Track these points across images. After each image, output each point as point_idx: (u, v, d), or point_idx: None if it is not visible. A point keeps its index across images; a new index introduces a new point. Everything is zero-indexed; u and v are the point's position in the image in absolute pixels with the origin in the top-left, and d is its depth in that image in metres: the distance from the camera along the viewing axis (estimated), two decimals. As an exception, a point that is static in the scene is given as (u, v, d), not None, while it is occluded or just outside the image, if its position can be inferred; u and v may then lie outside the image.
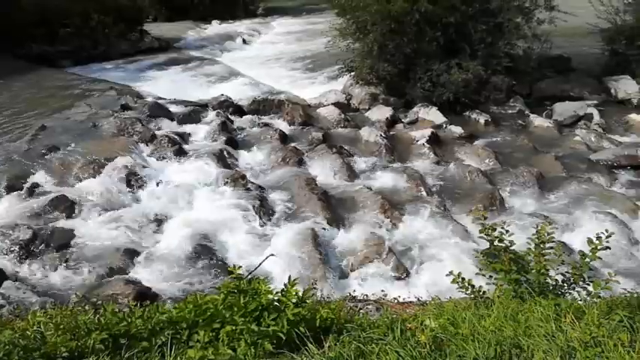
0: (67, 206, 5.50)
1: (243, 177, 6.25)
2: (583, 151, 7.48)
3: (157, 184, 6.17)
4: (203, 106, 8.90)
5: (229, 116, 8.61)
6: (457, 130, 8.25)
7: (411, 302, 3.13)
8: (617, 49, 10.21)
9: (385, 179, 6.63)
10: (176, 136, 7.46)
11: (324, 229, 5.38)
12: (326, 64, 11.47)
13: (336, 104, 9.31)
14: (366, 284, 4.47)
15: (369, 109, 9.29)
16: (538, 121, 8.62)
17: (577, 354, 1.80)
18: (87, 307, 2.91)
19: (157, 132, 7.53)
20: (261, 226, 5.43)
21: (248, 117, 8.80)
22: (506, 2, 8.75)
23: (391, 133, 8.33)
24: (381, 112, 8.97)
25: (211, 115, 8.53)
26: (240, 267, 2.27)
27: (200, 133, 7.85)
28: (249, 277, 2.36)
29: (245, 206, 5.61)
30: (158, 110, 8.45)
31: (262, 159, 7.17)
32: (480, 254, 2.78)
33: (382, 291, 3.56)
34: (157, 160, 6.82)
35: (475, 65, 8.49)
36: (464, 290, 2.63)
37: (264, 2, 23.50)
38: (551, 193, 6.26)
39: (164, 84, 10.67)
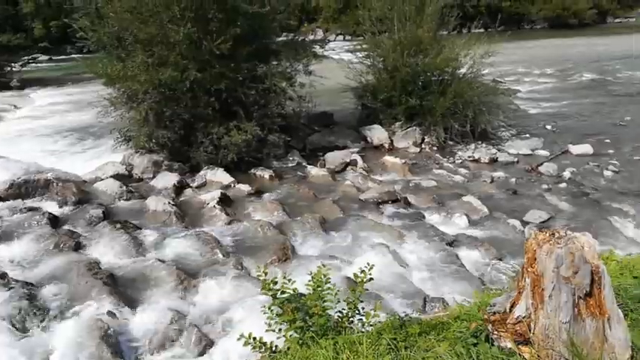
0: None
1: (3, 275, 5.24)
2: (354, 193, 8.51)
3: None
4: (-60, 200, 7.31)
5: (-21, 206, 7.26)
6: (245, 187, 8.56)
7: (210, 376, 2.99)
8: (366, 104, 12.19)
9: (178, 248, 6.36)
10: None
11: (114, 316, 4.85)
12: (99, 135, 10.76)
13: (116, 176, 8.73)
14: (167, 367, 4.14)
15: (154, 177, 8.96)
16: (314, 170, 9.54)
17: (353, 386, 1.96)
18: None
19: None
20: (32, 330, 4.59)
21: (6, 203, 7.54)
22: (270, 69, 9.62)
23: (180, 199, 8.17)
24: (166, 179, 8.73)
25: (-47, 208, 7.06)
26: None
27: (-62, 232, 6.39)
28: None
29: (8, 311, 4.68)
30: None
31: (28, 250, 6.15)
32: (267, 309, 2.85)
33: (180, 372, 3.33)
34: None
35: (252, 126, 9.03)
36: (257, 350, 2.65)
37: (20, 73, 21.02)
38: (334, 234, 6.87)
39: None
